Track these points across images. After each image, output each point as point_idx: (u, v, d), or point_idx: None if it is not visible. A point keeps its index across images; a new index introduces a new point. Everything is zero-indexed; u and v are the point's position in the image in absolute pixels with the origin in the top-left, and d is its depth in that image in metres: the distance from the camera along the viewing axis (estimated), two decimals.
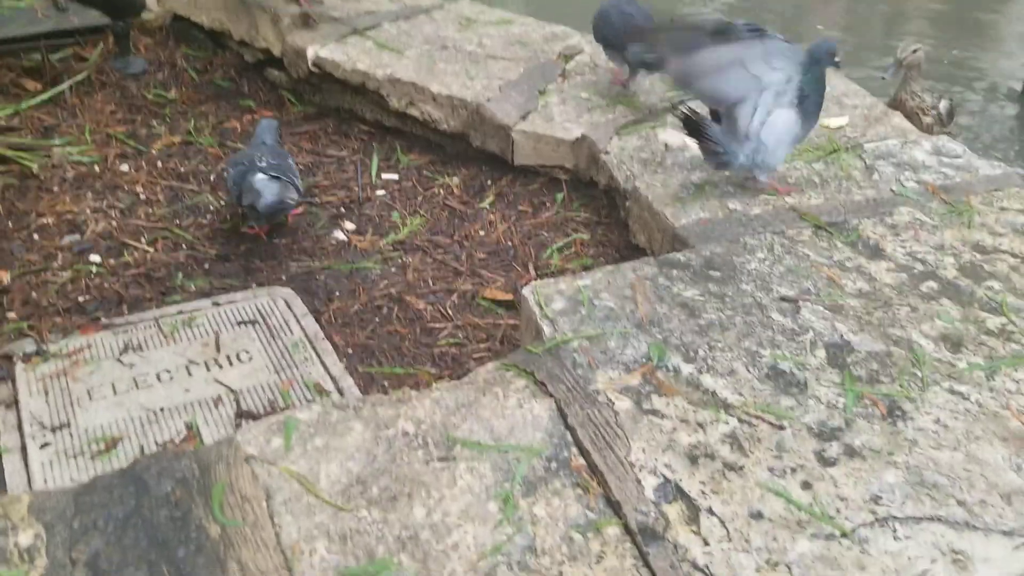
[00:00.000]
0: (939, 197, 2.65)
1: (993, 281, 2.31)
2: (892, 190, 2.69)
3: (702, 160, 2.78)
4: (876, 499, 1.70)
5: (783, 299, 2.21)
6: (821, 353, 2.05)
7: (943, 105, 3.19)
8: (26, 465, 2.10)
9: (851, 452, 1.80)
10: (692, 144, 2.73)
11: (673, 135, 3.02)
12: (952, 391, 1.96)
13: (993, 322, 2.17)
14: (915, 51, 3.15)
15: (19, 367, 2.38)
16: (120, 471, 1.75)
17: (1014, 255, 2.41)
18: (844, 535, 1.63)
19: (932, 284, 2.29)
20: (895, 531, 1.64)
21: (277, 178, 2.81)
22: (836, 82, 3.37)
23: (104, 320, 2.58)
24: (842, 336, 2.10)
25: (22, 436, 2.18)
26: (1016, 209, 2.60)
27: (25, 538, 1.61)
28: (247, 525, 1.64)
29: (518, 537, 1.62)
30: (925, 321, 2.16)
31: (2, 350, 2.44)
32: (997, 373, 2.01)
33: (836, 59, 2.56)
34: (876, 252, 2.40)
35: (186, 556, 1.58)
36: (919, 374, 2.00)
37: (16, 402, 2.28)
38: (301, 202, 2.93)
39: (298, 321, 2.56)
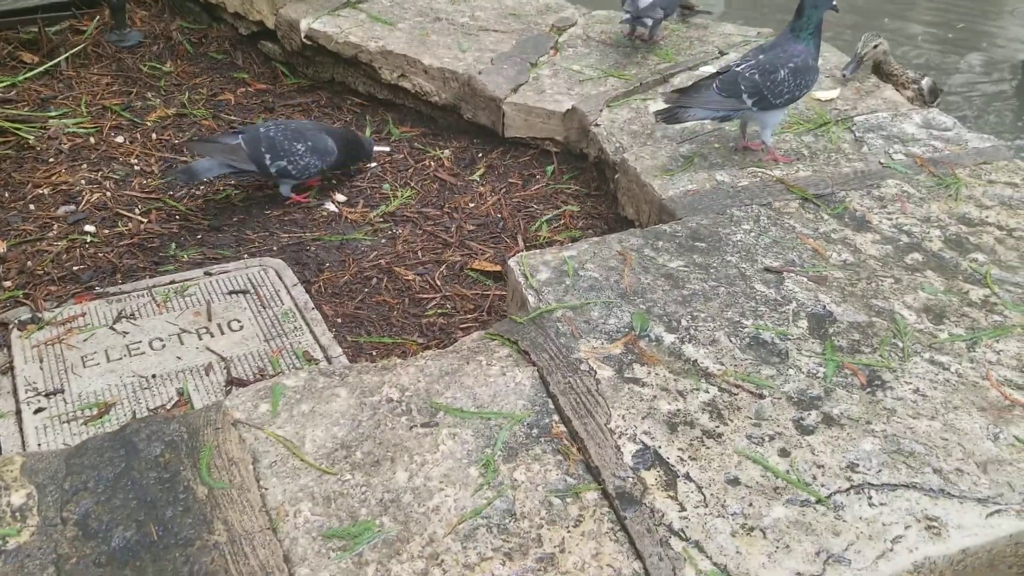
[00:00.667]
0: (927, 170, 2.66)
1: (978, 253, 2.32)
2: (881, 163, 2.70)
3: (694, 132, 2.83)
4: (853, 466, 1.73)
5: (767, 270, 2.23)
6: (803, 323, 2.07)
7: (926, 82, 3.16)
8: (21, 429, 2.13)
9: (829, 420, 1.83)
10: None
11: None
12: (932, 361, 1.98)
13: (976, 294, 2.19)
14: (876, 46, 3.11)
15: (15, 334, 2.42)
16: (110, 434, 1.79)
17: (1000, 228, 2.43)
18: (820, 501, 1.66)
19: (917, 256, 2.31)
20: (870, 498, 1.67)
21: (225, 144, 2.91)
22: (828, 55, 3.36)
23: (98, 289, 2.61)
24: (825, 307, 2.12)
25: (17, 401, 2.21)
26: (1004, 182, 2.61)
27: (17, 498, 1.65)
28: (234, 487, 1.67)
29: (498, 501, 1.66)
30: (908, 292, 2.18)
31: None
32: (978, 344, 2.03)
33: (834, 3, 2.61)
34: (862, 224, 2.42)
35: (174, 516, 1.62)
36: (900, 344, 2.02)
37: (11, 368, 2.31)
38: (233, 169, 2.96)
39: (288, 291, 2.59)
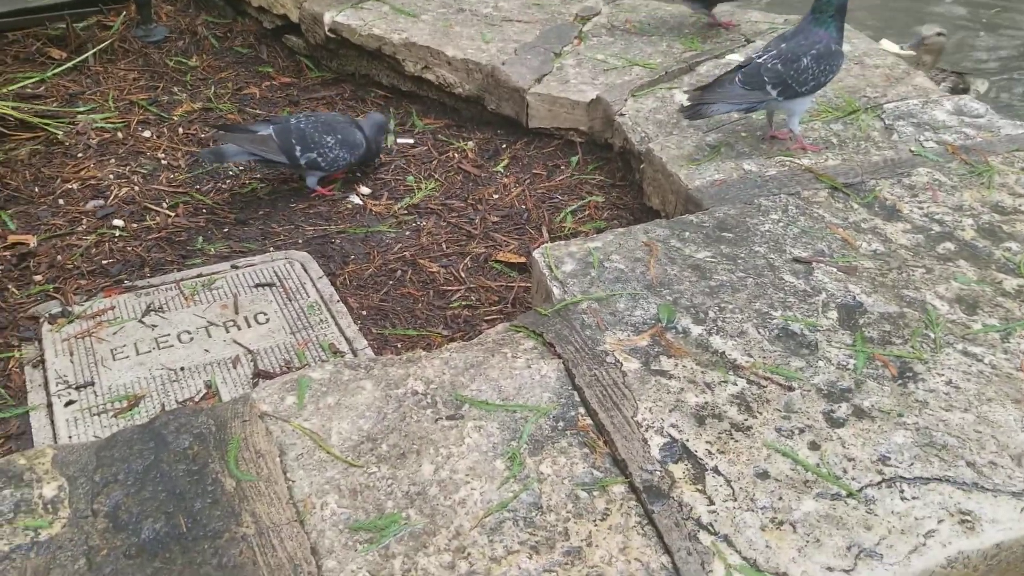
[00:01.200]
0: (959, 157, 2.61)
1: (1012, 242, 2.28)
2: (911, 150, 2.66)
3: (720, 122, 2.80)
4: (884, 460, 1.70)
5: (796, 260, 2.20)
6: (833, 314, 2.04)
7: (980, 84, 3.15)
8: (52, 422, 2.16)
9: (860, 413, 1.80)
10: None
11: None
12: (965, 353, 1.95)
13: (1010, 283, 2.14)
14: (939, 34, 3.09)
15: (45, 328, 2.44)
16: (140, 427, 1.80)
17: None
18: (850, 495, 1.63)
19: (949, 245, 2.27)
20: (902, 491, 1.64)
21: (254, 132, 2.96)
22: (857, 42, 3.32)
23: (127, 282, 2.64)
24: (855, 297, 2.09)
25: (48, 394, 2.24)
26: None
27: (49, 490, 1.67)
28: (261, 479, 1.68)
29: (524, 494, 1.65)
30: (940, 282, 2.14)
31: (29, 311, 2.51)
32: (1012, 335, 1.99)
33: None
34: (893, 213, 2.38)
35: (202, 508, 1.63)
36: (932, 336, 1.99)
37: (42, 361, 2.34)
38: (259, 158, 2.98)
39: (314, 284, 2.60)
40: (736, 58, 3.26)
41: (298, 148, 2.92)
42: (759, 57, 2.61)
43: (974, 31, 5.93)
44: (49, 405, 2.21)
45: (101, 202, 3.03)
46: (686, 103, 2.69)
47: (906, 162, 2.61)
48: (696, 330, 1.99)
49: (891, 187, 2.48)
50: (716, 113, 2.66)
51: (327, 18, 3.63)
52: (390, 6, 3.69)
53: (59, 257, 2.75)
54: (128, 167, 3.21)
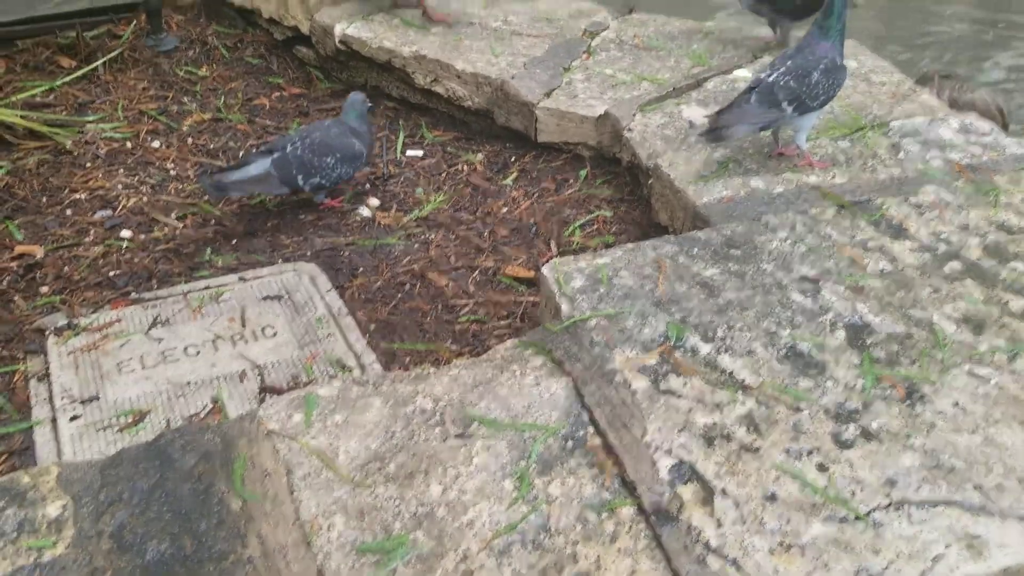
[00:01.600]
0: (965, 176, 2.61)
1: (1018, 262, 2.27)
2: (918, 168, 2.65)
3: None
4: (892, 482, 1.70)
5: (804, 279, 2.20)
6: (841, 334, 2.04)
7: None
8: (56, 437, 2.16)
9: (868, 435, 1.80)
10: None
11: (697, 112, 3.00)
12: (972, 374, 1.94)
13: (1017, 304, 2.14)
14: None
15: (51, 340, 2.45)
16: (145, 445, 1.80)
17: None
18: (859, 518, 1.63)
19: (956, 265, 2.26)
20: (910, 515, 1.64)
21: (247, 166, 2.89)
22: (864, 58, 3.32)
23: (134, 295, 2.64)
24: (862, 317, 2.08)
25: (53, 408, 2.24)
26: None
27: (53, 509, 1.66)
28: (267, 500, 1.68)
29: (533, 516, 1.65)
30: (947, 302, 2.14)
31: (35, 324, 2.51)
32: (1019, 356, 1.99)
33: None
34: (899, 232, 2.38)
35: (208, 529, 1.62)
36: (939, 356, 1.98)
37: (47, 375, 2.34)
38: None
39: (322, 297, 2.60)
40: (744, 73, 3.26)
41: (300, 177, 2.88)
42: (768, 76, 2.61)
43: (978, 47, 5.93)
44: (54, 420, 2.21)
45: (109, 212, 3.03)
46: (706, 126, 2.69)
47: (913, 180, 2.60)
48: (705, 348, 1.99)
49: (898, 205, 2.48)
50: (736, 135, 2.67)
51: (337, 30, 3.64)
52: (400, 19, 3.70)
53: (66, 268, 2.76)
54: (136, 177, 3.22)
